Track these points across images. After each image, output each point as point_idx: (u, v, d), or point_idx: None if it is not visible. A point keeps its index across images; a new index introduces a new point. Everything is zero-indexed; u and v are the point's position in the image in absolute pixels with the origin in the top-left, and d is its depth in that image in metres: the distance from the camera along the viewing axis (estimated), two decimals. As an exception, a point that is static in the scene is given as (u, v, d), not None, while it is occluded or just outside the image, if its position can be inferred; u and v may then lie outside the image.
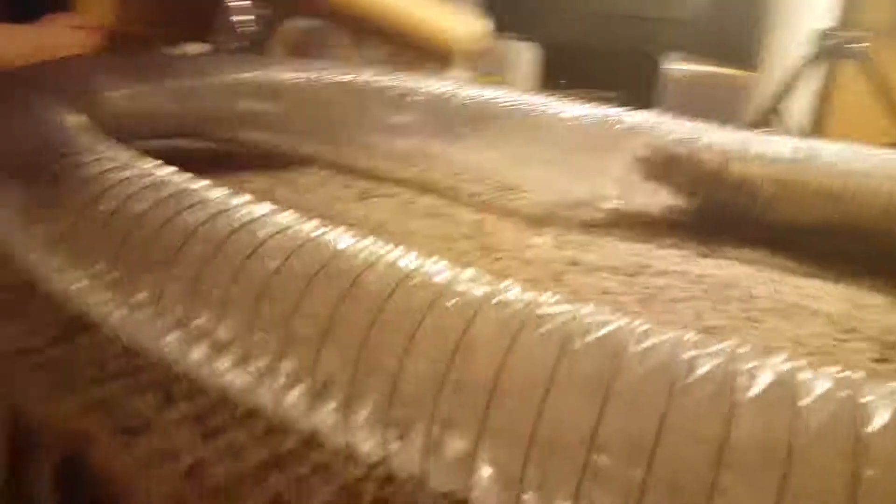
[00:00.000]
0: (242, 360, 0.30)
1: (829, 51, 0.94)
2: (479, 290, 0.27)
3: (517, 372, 0.24)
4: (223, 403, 0.34)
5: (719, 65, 1.23)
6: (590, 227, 0.63)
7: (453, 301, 0.26)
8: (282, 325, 0.29)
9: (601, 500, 0.22)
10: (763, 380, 0.22)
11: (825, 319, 0.47)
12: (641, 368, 0.22)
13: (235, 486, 0.28)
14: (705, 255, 0.57)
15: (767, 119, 0.96)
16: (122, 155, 0.41)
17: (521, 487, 0.24)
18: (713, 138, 0.61)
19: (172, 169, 0.39)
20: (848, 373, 0.22)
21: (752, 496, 0.20)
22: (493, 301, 0.26)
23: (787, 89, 0.98)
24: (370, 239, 0.32)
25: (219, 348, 0.31)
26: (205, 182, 0.38)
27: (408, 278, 0.28)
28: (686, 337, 0.24)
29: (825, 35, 0.95)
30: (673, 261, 0.56)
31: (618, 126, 0.65)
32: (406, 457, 0.27)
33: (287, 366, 0.29)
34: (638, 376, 0.22)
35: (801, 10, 1.03)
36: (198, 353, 0.31)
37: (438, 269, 0.29)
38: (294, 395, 0.29)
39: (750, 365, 0.22)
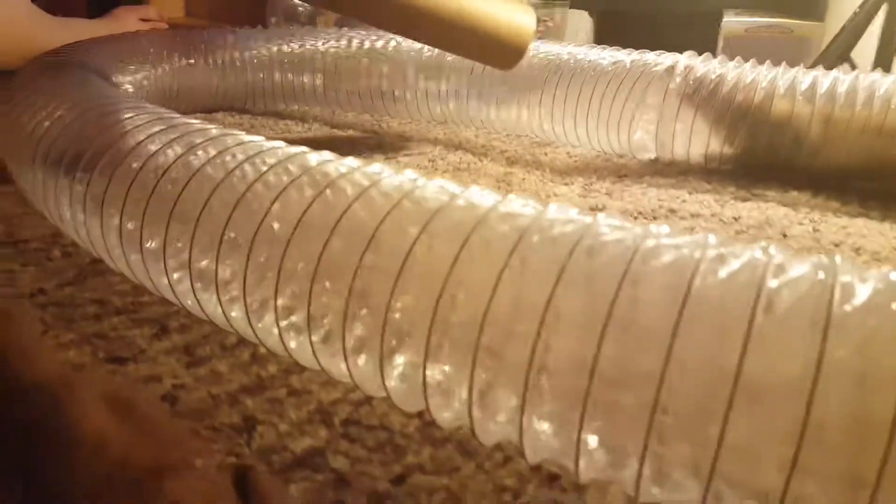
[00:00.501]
0: (238, 297, 0.30)
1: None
2: (443, 196, 0.25)
3: (474, 282, 0.22)
4: (214, 336, 0.34)
5: (782, 17, 1.15)
6: (622, 176, 0.60)
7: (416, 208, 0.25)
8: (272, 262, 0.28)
9: (547, 405, 0.20)
10: (732, 265, 0.19)
11: (869, 256, 0.43)
12: (598, 260, 0.21)
13: (210, 407, 0.28)
14: (744, 199, 0.54)
15: (835, 68, 0.89)
16: (147, 116, 0.41)
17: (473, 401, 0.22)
18: (756, 76, 0.57)
19: (178, 117, 0.39)
20: (825, 258, 0.19)
21: (705, 381, 0.18)
22: (457, 202, 0.25)
23: (852, 34, 0.91)
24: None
25: (219, 285, 0.31)
26: (205, 126, 0.38)
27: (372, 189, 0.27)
28: (653, 229, 0.22)
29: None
30: (706, 204, 0.52)
31: (656, 68, 0.62)
32: (379, 380, 0.26)
33: (279, 300, 0.29)
34: (594, 266, 0.20)
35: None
36: (199, 289, 0.31)
37: (399, 181, 0.27)
38: (281, 327, 0.29)
39: (718, 251, 0.20)
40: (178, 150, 0.33)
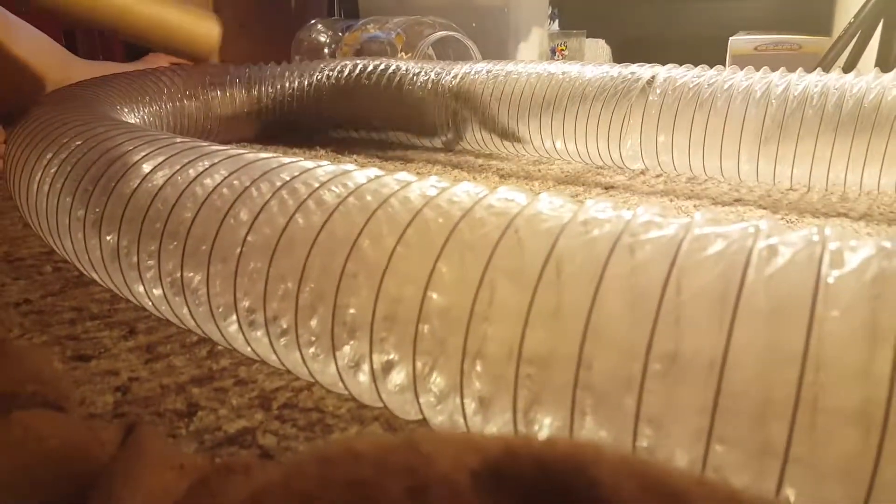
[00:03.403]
0: (206, 301, 0.31)
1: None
2: (431, 191, 0.26)
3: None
4: (178, 336, 0.35)
5: (790, 33, 1.15)
6: (608, 187, 0.61)
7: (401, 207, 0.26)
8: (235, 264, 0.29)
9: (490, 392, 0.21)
10: (653, 246, 0.20)
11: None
12: (587, 251, 0.21)
13: (157, 396, 0.29)
14: (725, 204, 0.54)
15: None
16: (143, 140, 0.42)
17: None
18: (733, 82, 0.57)
19: (174, 138, 0.41)
20: (756, 224, 0.20)
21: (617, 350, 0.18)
22: (444, 198, 0.26)
23: (854, 46, 0.91)
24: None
25: (190, 291, 0.32)
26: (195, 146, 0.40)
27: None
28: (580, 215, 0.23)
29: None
30: (684, 210, 0.52)
31: (638, 81, 0.62)
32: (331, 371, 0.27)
33: (243, 303, 0.30)
34: (587, 257, 0.21)
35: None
36: (169, 294, 0.33)
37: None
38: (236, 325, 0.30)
39: (642, 236, 0.21)
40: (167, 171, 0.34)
